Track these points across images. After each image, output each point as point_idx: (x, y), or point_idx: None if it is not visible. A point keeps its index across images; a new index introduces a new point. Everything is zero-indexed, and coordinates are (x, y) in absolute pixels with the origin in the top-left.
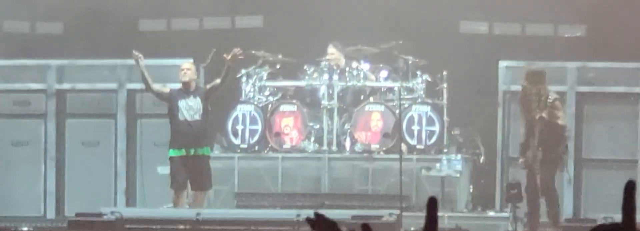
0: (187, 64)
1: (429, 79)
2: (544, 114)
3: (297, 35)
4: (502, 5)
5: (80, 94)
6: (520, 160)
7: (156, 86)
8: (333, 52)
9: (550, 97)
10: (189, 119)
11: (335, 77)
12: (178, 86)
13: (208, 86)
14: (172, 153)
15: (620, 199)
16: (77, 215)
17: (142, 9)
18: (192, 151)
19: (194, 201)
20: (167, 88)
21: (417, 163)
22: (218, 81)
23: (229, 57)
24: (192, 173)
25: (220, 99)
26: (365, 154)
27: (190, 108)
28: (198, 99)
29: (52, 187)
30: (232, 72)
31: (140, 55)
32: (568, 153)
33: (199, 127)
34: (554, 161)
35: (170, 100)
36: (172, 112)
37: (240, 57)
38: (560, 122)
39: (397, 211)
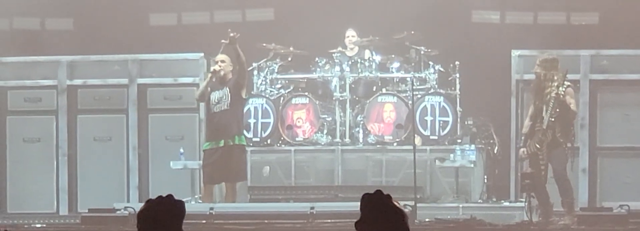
0: (221, 56)
1: (442, 69)
2: (559, 93)
3: (308, 28)
4: None
5: (91, 90)
6: (521, 150)
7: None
8: (353, 34)
9: (564, 83)
10: (217, 110)
11: (347, 68)
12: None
13: (235, 76)
14: (204, 146)
15: (636, 187)
16: (90, 210)
17: (153, 3)
18: (221, 143)
19: (226, 194)
20: (207, 87)
21: (430, 154)
22: (237, 67)
23: (227, 40)
24: (222, 165)
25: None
26: (378, 146)
27: (219, 100)
28: (226, 90)
29: (64, 183)
30: (245, 54)
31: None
32: (575, 140)
33: (226, 117)
34: (562, 148)
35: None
36: (206, 106)
37: (235, 35)
38: (572, 107)
39: (412, 203)
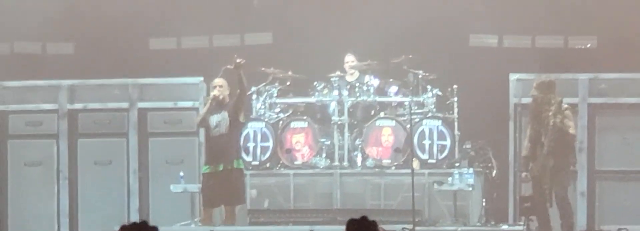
0: (219, 80)
1: (440, 93)
2: (556, 121)
3: (306, 52)
4: (512, 17)
5: (91, 114)
6: (523, 174)
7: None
8: (352, 59)
9: (562, 106)
10: (216, 134)
11: (345, 92)
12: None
13: (234, 100)
14: (204, 169)
15: (634, 210)
16: None
17: (153, 28)
18: (221, 167)
19: (225, 217)
20: (207, 113)
21: (429, 178)
22: (238, 91)
23: (233, 66)
24: (222, 189)
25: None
26: (376, 170)
27: (218, 124)
28: (225, 114)
29: (65, 207)
30: (246, 78)
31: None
32: (576, 163)
33: (225, 141)
34: (564, 171)
35: (207, 119)
36: (206, 130)
37: (241, 61)
38: (571, 131)
39: (411, 226)
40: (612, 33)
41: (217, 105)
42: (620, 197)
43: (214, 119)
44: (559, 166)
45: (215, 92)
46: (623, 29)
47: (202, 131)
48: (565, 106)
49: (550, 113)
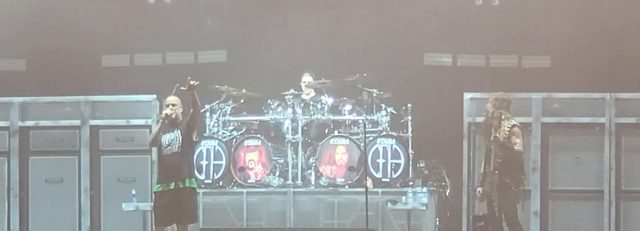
0: (172, 98)
1: (394, 112)
2: (499, 136)
3: (260, 70)
4: (466, 37)
5: (43, 131)
6: (478, 189)
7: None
8: (309, 80)
9: (509, 122)
10: (168, 153)
11: (299, 111)
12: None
13: (187, 118)
14: (155, 188)
15: (586, 230)
16: None
17: (105, 45)
18: (172, 185)
19: None
20: (159, 132)
21: (382, 196)
22: (191, 110)
23: (186, 87)
24: (173, 207)
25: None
26: (330, 188)
27: (170, 142)
28: (178, 132)
29: (15, 225)
30: (199, 98)
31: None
32: (525, 184)
33: (177, 160)
34: (511, 190)
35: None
36: (158, 148)
37: (194, 83)
38: (517, 148)
39: None
40: (565, 53)
41: (170, 124)
42: (572, 217)
43: (167, 137)
44: (505, 184)
45: (167, 111)
46: (576, 49)
47: (154, 149)
48: (514, 122)
49: (492, 128)
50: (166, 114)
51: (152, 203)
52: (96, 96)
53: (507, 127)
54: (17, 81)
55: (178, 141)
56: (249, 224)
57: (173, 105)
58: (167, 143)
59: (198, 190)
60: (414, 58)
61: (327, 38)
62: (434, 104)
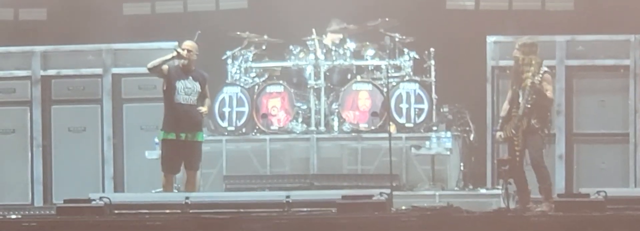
0: (189, 43)
1: (417, 57)
2: (534, 82)
3: (282, 16)
4: None
5: (65, 80)
6: (498, 133)
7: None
8: (337, 28)
9: (542, 68)
10: (184, 102)
11: (322, 56)
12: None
13: (199, 72)
14: (165, 135)
15: (612, 173)
16: (65, 201)
17: None
18: (183, 136)
19: (187, 181)
20: (166, 66)
21: (406, 142)
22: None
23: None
24: (184, 157)
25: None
26: (353, 134)
27: (189, 90)
28: (196, 83)
29: (39, 174)
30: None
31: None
32: (552, 127)
33: (194, 111)
34: (539, 134)
35: (169, 80)
36: (169, 93)
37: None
38: (548, 94)
39: (388, 191)
40: None
41: (183, 70)
42: (598, 160)
43: (182, 84)
44: (533, 129)
45: (181, 51)
46: None
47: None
48: (545, 69)
49: (530, 74)
50: (178, 52)
51: (160, 151)
52: (118, 44)
53: (539, 75)
54: (38, 30)
55: (195, 92)
56: (272, 171)
57: (189, 51)
58: (182, 90)
59: (221, 137)
60: (437, 2)
61: None
62: (457, 48)
